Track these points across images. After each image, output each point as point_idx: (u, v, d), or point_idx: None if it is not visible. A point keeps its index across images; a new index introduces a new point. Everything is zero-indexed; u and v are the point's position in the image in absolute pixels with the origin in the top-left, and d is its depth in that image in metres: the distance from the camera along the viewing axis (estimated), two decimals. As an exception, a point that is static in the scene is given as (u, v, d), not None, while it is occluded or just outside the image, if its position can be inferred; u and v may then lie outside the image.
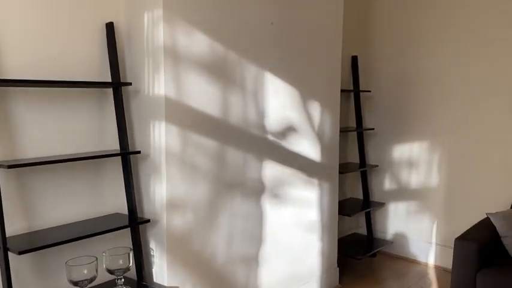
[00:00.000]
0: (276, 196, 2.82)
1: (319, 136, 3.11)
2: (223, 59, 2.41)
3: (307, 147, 3.02)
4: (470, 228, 2.97)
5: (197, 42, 2.27)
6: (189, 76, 2.24)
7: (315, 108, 3.05)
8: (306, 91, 2.96)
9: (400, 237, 3.98)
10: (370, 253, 3.74)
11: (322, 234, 3.22)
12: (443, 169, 3.67)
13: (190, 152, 2.28)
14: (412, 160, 3.85)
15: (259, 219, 2.71)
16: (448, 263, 3.55)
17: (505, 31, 3.28)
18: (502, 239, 2.87)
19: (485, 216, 3.03)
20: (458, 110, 3.55)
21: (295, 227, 2.98)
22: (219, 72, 2.39)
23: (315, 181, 3.11)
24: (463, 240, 2.73)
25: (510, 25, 3.25)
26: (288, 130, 2.87)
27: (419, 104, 3.76)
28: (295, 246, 3.00)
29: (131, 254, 2.12)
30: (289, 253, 2.95)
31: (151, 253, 2.29)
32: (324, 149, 3.16)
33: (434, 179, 3.73)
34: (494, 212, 3.02)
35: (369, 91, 3.98)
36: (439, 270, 3.70)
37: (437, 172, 3.70)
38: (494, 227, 2.91)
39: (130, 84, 2.19)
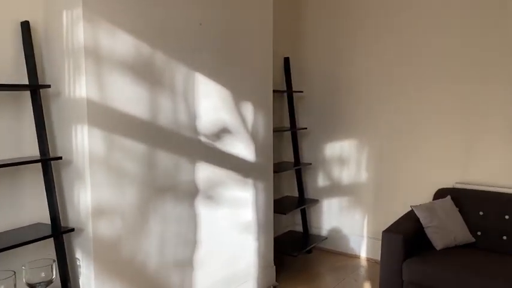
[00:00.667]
0: (210, 198, 2.80)
1: (253, 136, 3.13)
2: (150, 60, 2.35)
3: (241, 148, 3.03)
4: (397, 220, 3.13)
5: (121, 43, 2.19)
6: (113, 77, 2.17)
7: (248, 109, 3.07)
8: (239, 92, 2.97)
9: (335, 233, 4.11)
10: (306, 249, 3.82)
11: (258, 233, 3.25)
12: (371, 165, 3.84)
13: (116, 156, 2.20)
14: (343, 157, 3.99)
15: (193, 222, 2.68)
16: (379, 255, 3.71)
17: (424, 31, 3.49)
18: (425, 229, 3.05)
19: (411, 208, 3.20)
20: (383, 108, 3.73)
21: (230, 228, 2.98)
22: (146, 73, 2.33)
23: (250, 181, 3.13)
24: (389, 233, 2.87)
25: (426, 22, 3.47)
26: (221, 131, 2.86)
27: (348, 103, 3.91)
28: (231, 247, 3.00)
29: (54, 266, 2.00)
30: (225, 254, 2.95)
31: (78, 263, 2.18)
32: (258, 149, 3.19)
33: (363, 175, 3.89)
34: (418, 204, 3.20)
35: (301, 91, 4.07)
36: (371, 262, 3.87)
37: (367, 168, 3.87)
38: (418, 219, 3.09)
39: (49, 86, 2.08)
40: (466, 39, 3.31)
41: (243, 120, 3.04)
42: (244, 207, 3.10)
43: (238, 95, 2.97)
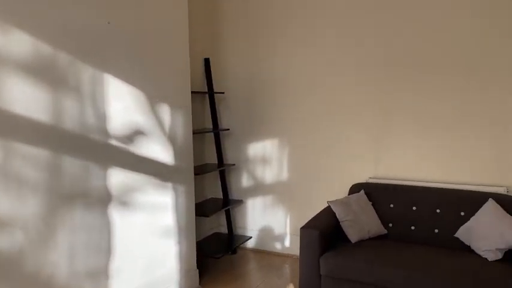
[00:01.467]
0: (125, 204, 2.70)
1: (171, 139, 3.07)
2: (52, 60, 2.21)
3: (159, 150, 2.95)
4: (314, 216, 3.22)
5: (17, 42, 2.04)
6: (7, 79, 2.01)
7: (165, 111, 3.01)
8: (154, 93, 2.89)
9: (259, 232, 4.15)
10: (230, 250, 3.82)
11: (180, 237, 3.19)
12: (292, 164, 3.93)
13: (15, 163, 2.05)
14: (266, 157, 4.05)
15: (106, 230, 2.56)
16: (301, 251, 3.82)
17: (336, 35, 3.63)
18: (341, 223, 3.17)
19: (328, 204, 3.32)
20: (301, 108, 3.84)
21: (149, 233, 2.90)
22: (47, 74, 2.19)
23: (169, 185, 3.06)
24: (306, 229, 2.94)
25: (338, 25, 3.62)
26: (135, 134, 2.77)
27: (269, 104, 3.97)
28: (151, 254, 2.91)
29: None
30: (144, 261, 2.86)
31: (-28, 282, 2.00)
32: (177, 152, 3.13)
33: (285, 174, 3.97)
34: (334, 199, 3.32)
35: (223, 93, 4.07)
36: (294, 258, 3.96)
37: (288, 167, 3.95)
38: (335, 213, 3.20)
39: None
40: (376, 40, 3.49)
41: (160, 122, 2.97)
42: (164, 212, 3.03)
43: (154, 96, 2.90)
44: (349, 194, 3.47)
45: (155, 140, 2.93)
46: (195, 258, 3.36)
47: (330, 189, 3.77)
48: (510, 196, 3.04)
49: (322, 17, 3.67)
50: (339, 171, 3.73)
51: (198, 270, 3.39)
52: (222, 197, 4.22)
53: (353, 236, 3.13)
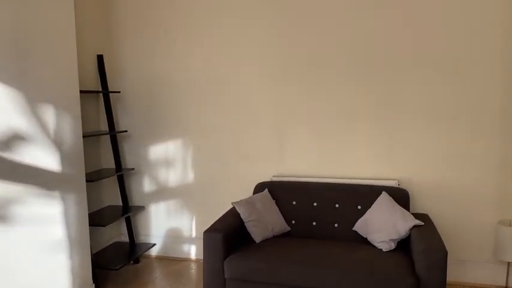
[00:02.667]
0: (2, 219, 2.37)
1: (57, 143, 2.78)
2: None
3: (42, 157, 2.65)
4: (218, 219, 3.14)
5: None
6: None
7: (49, 113, 2.70)
8: (35, 94, 2.58)
9: (164, 238, 3.97)
10: (132, 260, 3.59)
11: (72, 251, 2.90)
12: (197, 165, 3.81)
13: None
14: (169, 159, 3.88)
15: (-23, 251, 2.23)
16: (208, 255, 3.71)
17: (239, 33, 3.58)
18: (245, 224, 3.12)
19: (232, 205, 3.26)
20: (205, 108, 3.73)
21: (34, 250, 2.58)
22: None
23: (56, 194, 2.77)
24: (209, 233, 2.85)
25: (241, 24, 3.57)
26: (14, 139, 2.45)
27: (170, 103, 3.80)
28: (37, 272, 2.60)
29: None
30: (29, 281, 2.54)
31: None
32: (65, 157, 2.84)
33: (190, 176, 3.84)
34: (239, 200, 3.27)
35: (119, 92, 3.81)
36: (201, 263, 3.84)
37: (192, 168, 3.82)
38: (239, 214, 3.15)
39: None
40: (278, 40, 3.50)
41: (43, 126, 2.67)
42: (52, 225, 2.73)
43: (35, 97, 2.59)
44: (253, 194, 3.44)
45: (38, 145, 2.62)
46: (91, 272, 3.09)
47: (236, 189, 3.72)
48: (401, 188, 3.22)
49: (223, 16, 3.60)
50: (244, 171, 3.69)
51: (94, 284, 3.12)
52: (121, 204, 3.95)
53: (257, 235, 3.10)
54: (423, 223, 2.92)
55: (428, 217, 3.16)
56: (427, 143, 3.27)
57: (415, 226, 2.90)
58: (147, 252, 4.00)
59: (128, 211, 3.76)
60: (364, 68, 3.32)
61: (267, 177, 3.63)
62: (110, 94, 3.87)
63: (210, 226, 2.95)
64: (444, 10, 3.12)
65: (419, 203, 3.34)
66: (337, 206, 3.25)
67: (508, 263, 3.14)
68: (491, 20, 3.04)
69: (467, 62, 3.12)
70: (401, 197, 3.17)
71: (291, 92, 3.51)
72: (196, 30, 3.67)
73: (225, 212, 3.31)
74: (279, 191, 3.38)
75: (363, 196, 3.21)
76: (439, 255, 2.49)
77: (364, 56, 3.31)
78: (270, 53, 3.52)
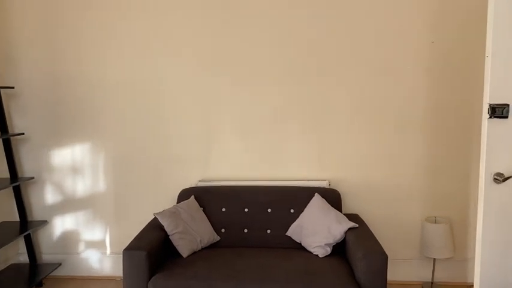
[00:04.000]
0: None
1: None
2: None
3: None
4: (140, 232, 2.78)
5: None
6: None
7: None
8: None
9: (72, 256, 3.46)
10: (34, 284, 3.06)
11: (-47, 284, 2.34)
12: (111, 172, 3.37)
13: None
14: (76, 165, 3.38)
15: None
16: (126, 271, 3.30)
17: (170, 31, 3.21)
18: (170, 237, 2.80)
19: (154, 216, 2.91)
20: (121, 107, 3.30)
21: None
22: None
23: None
24: (130, 251, 2.48)
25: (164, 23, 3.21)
26: None
27: (77, 101, 3.30)
28: None
29: None
30: None
31: None
32: None
33: (103, 184, 3.38)
34: (161, 209, 2.93)
35: (12, 87, 3.22)
36: (118, 281, 3.42)
37: (106, 176, 3.37)
38: (163, 226, 2.82)
39: None
40: (201, 39, 3.20)
41: None
42: None
43: None
44: (178, 201, 3.12)
45: None
46: (-20, 308, 2.55)
47: (158, 197, 3.35)
48: (332, 189, 3.13)
49: (139, 9, 3.20)
50: (168, 176, 3.33)
51: (-15, 322, 2.58)
52: (18, 220, 3.37)
53: (184, 249, 2.79)
54: (358, 225, 2.85)
55: (360, 217, 3.12)
56: (355, 143, 3.21)
57: (350, 228, 2.81)
58: (52, 274, 3.47)
59: (26, 227, 3.21)
60: (294, 68, 3.16)
61: (192, 182, 3.32)
62: (1, 90, 3.27)
63: (131, 243, 2.59)
64: (371, 10, 3.07)
65: (349, 203, 3.28)
66: (269, 210, 3.05)
67: (434, 259, 3.20)
68: (416, 21, 3.06)
69: (394, 63, 3.11)
70: (333, 197, 3.07)
71: (220, 91, 3.23)
72: (108, 16, 3.22)
73: (146, 225, 2.94)
74: (207, 198, 3.10)
75: (295, 199, 3.06)
76: (380, 260, 2.40)
77: (294, 57, 3.15)
78: (197, 49, 3.21)
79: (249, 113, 3.24)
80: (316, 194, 3.03)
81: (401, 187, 3.23)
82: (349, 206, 3.28)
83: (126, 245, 2.65)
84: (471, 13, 3.02)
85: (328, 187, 3.18)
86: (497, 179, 1.87)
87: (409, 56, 3.09)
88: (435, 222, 3.21)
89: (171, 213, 2.86)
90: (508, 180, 1.86)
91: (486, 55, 1.85)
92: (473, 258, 3.26)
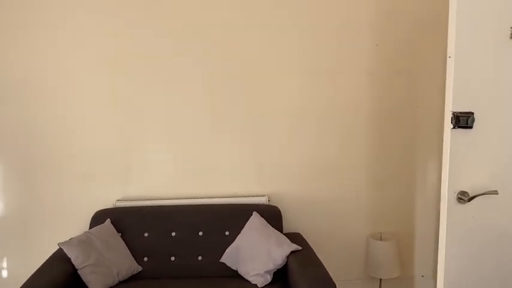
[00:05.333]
0: None
1: None
2: None
3: None
4: (40, 267, 2.26)
5: None
6: None
7: None
8: None
9: (-42, 295, 2.83)
10: None
11: None
12: (5, 192, 2.78)
13: None
14: (-37, 184, 2.76)
15: None
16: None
17: (79, 36, 2.71)
18: (79, 271, 2.30)
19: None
20: (16, 115, 2.74)
21: None
22: None
23: None
24: (20, 297, 1.96)
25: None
26: None
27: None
28: None
29: None
30: None
31: None
32: None
33: (-3, 206, 2.79)
34: (69, 238, 2.42)
35: None
36: (18, 322, 2.82)
37: (2, 197, 2.78)
38: (70, 259, 2.31)
39: None
40: (116, 44, 2.73)
41: None
42: None
43: None
44: (91, 227, 2.62)
45: None
46: None
47: (66, 222, 2.80)
48: (272, 206, 2.81)
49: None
50: (77, 197, 2.81)
51: None
52: None
53: (97, 285, 2.31)
54: (300, 247, 2.52)
55: (302, 236, 2.81)
56: (297, 153, 2.91)
57: (292, 251, 2.48)
58: None
59: None
60: (228, 70, 2.80)
61: (109, 203, 2.81)
62: None
63: (26, 282, 2.06)
64: (312, 10, 2.79)
65: (291, 220, 2.96)
66: (200, 233, 2.65)
67: (380, 279, 2.97)
68: (359, 23, 2.83)
69: (337, 67, 2.84)
70: (273, 215, 2.74)
71: (141, 94, 2.78)
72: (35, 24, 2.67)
73: (48, 257, 2.41)
74: (126, 221, 2.64)
75: (230, 219, 2.69)
76: (328, 290, 2.09)
77: (227, 64, 2.78)
78: (106, 46, 2.74)
79: (176, 120, 2.82)
80: (254, 213, 2.68)
81: (346, 201, 2.98)
82: (290, 223, 2.95)
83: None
84: (416, 13, 2.84)
85: (267, 203, 2.85)
86: (461, 199, 1.62)
87: (352, 59, 2.85)
88: (380, 239, 2.98)
89: (81, 241, 2.37)
90: (473, 200, 1.61)
91: (448, 55, 1.59)
92: (420, 275, 3.08)
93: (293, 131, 2.89)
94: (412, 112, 2.93)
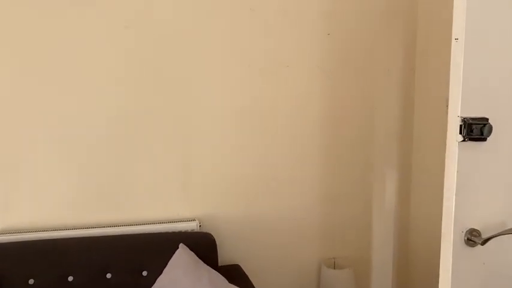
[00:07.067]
0: None
1: None
2: None
3: None
4: None
5: None
6: None
7: None
8: None
9: None
10: None
11: None
12: None
13: None
14: None
15: None
16: None
17: None
18: None
19: None
20: None
21: None
22: None
23: None
24: None
25: None
26: None
27: None
28: None
29: None
30: None
31: None
32: None
33: None
34: None
35: None
36: None
37: None
38: None
39: None
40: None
41: None
42: None
43: None
44: None
45: None
46: None
47: None
48: (204, 233, 2.24)
49: None
50: None
51: None
52: None
53: None
54: (239, 288, 1.98)
55: (241, 269, 2.29)
56: (233, 167, 2.36)
57: (230, 295, 1.93)
58: None
59: None
60: (145, 69, 2.18)
61: (-21, 237, 2.07)
62: None
63: None
64: (254, -18, 2.26)
65: (228, 249, 2.40)
66: (108, 276, 2.01)
67: (335, 313, 2.51)
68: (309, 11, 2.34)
69: (282, 61, 2.34)
70: (205, 245, 2.18)
71: (24, 95, 2.08)
72: None
73: None
74: (4, 262, 1.93)
75: (149, 254, 2.08)
76: None
77: (146, 54, 2.17)
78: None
79: (75, 126, 2.14)
80: (180, 245, 2.09)
81: (294, 221, 2.48)
82: (227, 253, 2.39)
83: None
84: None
85: (198, 230, 2.27)
86: (471, 241, 1.15)
87: (300, 51, 2.35)
88: (334, 267, 2.52)
89: None
90: (488, 242, 1.15)
91: (454, 37, 1.12)
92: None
93: (229, 138, 2.33)
94: (370, 114, 2.50)
